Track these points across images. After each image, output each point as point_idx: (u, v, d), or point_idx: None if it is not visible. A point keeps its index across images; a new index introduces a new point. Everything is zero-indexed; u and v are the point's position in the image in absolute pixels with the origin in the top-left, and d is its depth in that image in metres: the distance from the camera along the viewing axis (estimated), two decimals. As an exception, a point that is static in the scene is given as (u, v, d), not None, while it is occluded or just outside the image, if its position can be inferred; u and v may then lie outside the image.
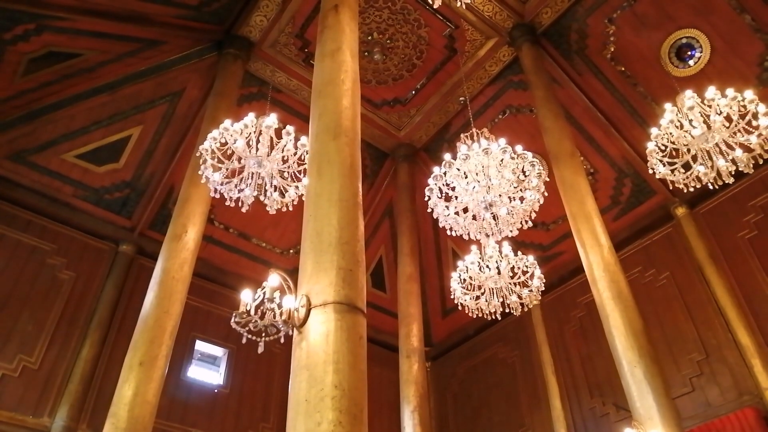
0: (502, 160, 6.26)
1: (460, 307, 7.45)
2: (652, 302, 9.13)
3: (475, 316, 7.35)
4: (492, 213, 6.43)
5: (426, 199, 6.56)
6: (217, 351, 10.23)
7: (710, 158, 6.21)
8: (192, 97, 9.78)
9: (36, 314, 8.51)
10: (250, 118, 6.46)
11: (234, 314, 3.99)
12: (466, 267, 7.35)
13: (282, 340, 4.03)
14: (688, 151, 6.33)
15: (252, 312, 3.96)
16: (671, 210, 9.45)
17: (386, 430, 10.68)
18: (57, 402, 8.15)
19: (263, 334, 3.95)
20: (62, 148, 9.26)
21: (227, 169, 6.47)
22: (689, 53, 8.75)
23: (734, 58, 8.51)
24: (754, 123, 5.97)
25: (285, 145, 6.56)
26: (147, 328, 6.34)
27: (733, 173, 6.09)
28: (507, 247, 7.22)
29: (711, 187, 6.31)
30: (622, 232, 9.94)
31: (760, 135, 5.91)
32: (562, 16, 9.22)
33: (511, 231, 6.54)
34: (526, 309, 7.26)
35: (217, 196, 6.57)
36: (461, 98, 10.40)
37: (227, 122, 6.47)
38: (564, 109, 9.28)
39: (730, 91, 6.06)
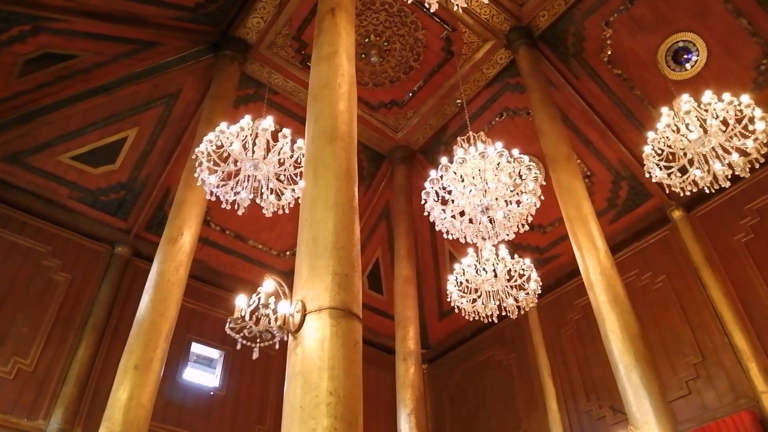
0: (498, 164, 6.26)
1: (456, 310, 7.45)
2: (649, 305, 9.14)
3: (471, 319, 7.35)
4: (489, 216, 6.43)
5: (423, 202, 6.55)
6: (213, 353, 10.21)
7: (707, 162, 6.21)
8: (188, 98, 9.76)
9: (31, 316, 8.48)
10: (247, 120, 6.43)
11: (229, 320, 3.97)
12: (463, 270, 7.35)
13: (277, 346, 4.01)
14: (685, 155, 6.33)
15: (247, 318, 3.93)
16: (668, 213, 9.46)
17: (383, 432, 10.67)
18: (52, 405, 8.11)
19: (258, 340, 3.93)
20: (58, 149, 9.22)
21: (223, 172, 6.45)
22: (686, 57, 8.77)
23: (731, 62, 8.52)
24: (750, 127, 5.98)
25: (281, 148, 6.54)
26: (142, 331, 6.32)
27: (729, 177, 6.09)
28: (504, 250, 7.22)
29: (707, 191, 6.32)
30: (619, 234, 9.94)
31: (756, 139, 5.92)
32: (559, 19, 9.23)
33: (507, 234, 6.53)
34: (522, 312, 7.26)
35: (213, 198, 6.54)
36: (458, 101, 10.40)
37: (223, 125, 6.43)
38: (561, 111, 9.29)
39: (727, 96, 6.07)
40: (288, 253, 11.35)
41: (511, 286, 7.20)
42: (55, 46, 8.43)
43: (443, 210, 6.56)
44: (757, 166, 6.03)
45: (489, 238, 6.64)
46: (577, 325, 10.20)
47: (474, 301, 7.32)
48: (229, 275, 10.78)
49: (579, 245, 7.09)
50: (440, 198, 6.53)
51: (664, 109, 6.45)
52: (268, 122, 6.40)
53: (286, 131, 6.47)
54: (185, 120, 9.81)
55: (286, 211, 6.82)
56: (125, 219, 9.90)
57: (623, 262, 9.47)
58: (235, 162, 6.46)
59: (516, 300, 7.16)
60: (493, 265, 7.22)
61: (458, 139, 6.69)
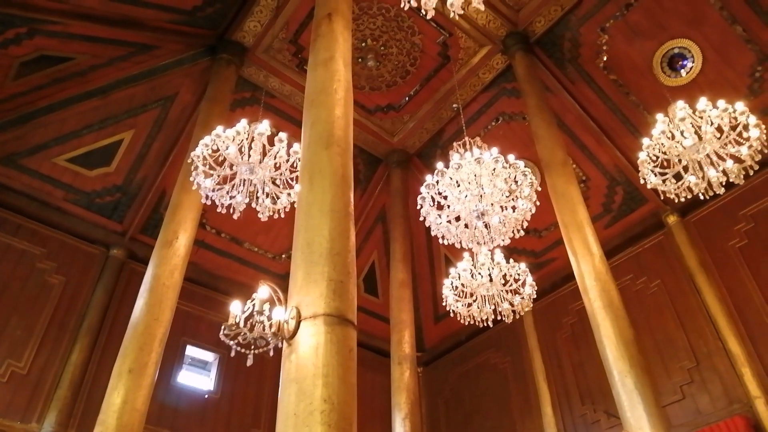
0: (494, 169, 6.27)
1: (452, 314, 7.47)
2: (644, 310, 9.17)
3: (467, 323, 7.37)
4: (484, 222, 6.44)
5: (418, 207, 6.56)
6: (208, 356, 10.19)
7: (701, 169, 6.24)
8: (185, 101, 9.75)
9: (25, 319, 8.45)
10: (243, 124, 6.43)
11: (223, 326, 3.96)
12: (458, 274, 7.37)
13: (271, 353, 4.01)
14: (680, 161, 6.36)
15: (241, 324, 3.93)
16: (663, 218, 9.50)
17: (378, 436, 10.66)
18: (45, 408, 8.09)
19: (252, 347, 3.92)
20: (53, 151, 9.20)
21: (219, 176, 6.45)
22: (681, 63, 8.81)
23: (726, 69, 8.57)
24: (745, 134, 6.01)
25: (277, 152, 6.55)
26: (137, 334, 6.30)
27: (723, 184, 6.13)
28: (499, 255, 7.24)
29: (702, 198, 6.35)
30: (614, 239, 9.97)
31: (750, 146, 5.95)
32: (555, 25, 9.26)
33: (503, 240, 6.55)
34: (518, 317, 7.29)
35: (209, 202, 6.55)
36: (454, 105, 10.42)
37: (219, 128, 6.44)
38: (557, 116, 9.32)
39: (722, 103, 6.10)
40: (284, 256, 11.35)
41: (507, 291, 7.23)
42: (51, 49, 8.41)
43: (439, 215, 6.58)
44: (751, 173, 6.07)
45: (484, 243, 6.66)
46: (572, 329, 10.22)
47: (469, 305, 7.34)
48: (224, 278, 10.77)
49: (574, 251, 7.11)
50: (436, 203, 6.55)
51: (659, 116, 6.48)
52: (265, 126, 6.41)
53: (282, 135, 6.49)
54: (181, 123, 9.80)
55: (282, 216, 6.84)
56: (120, 221, 9.88)
57: (618, 267, 9.50)
58: (231, 166, 6.47)
59: (511, 304, 7.19)
60: (489, 269, 7.24)
61: (454, 144, 6.71)
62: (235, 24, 9.31)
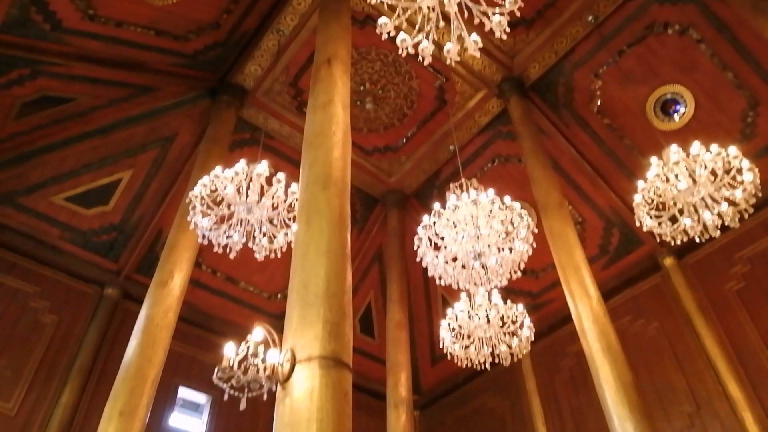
0: (491, 211, 6.32)
1: (449, 356, 7.39)
2: (642, 353, 9.07)
3: (464, 366, 7.28)
4: (481, 263, 6.44)
5: (415, 248, 6.57)
6: (201, 398, 9.99)
7: (696, 212, 6.29)
8: (184, 142, 9.85)
9: (16, 359, 8.31)
10: (241, 165, 6.50)
11: (216, 369, 3.91)
12: (456, 315, 7.32)
13: (265, 397, 3.94)
14: (675, 204, 6.42)
15: (235, 367, 3.88)
16: (659, 260, 9.50)
17: (373, 483, 10.37)
18: (33, 451, 7.88)
19: (246, 390, 3.86)
20: (51, 190, 9.23)
21: (216, 216, 6.47)
22: (674, 108, 8.97)
23: (718, 114, 8.72)
24: (738, 178, 6.09)
25: (275, 192, 6.60)
26: (129, 376, 6.19)
27: (719, 227, 6.17)
28: (497, 296, 7.22)
29: (698, 240, 6.38)
30: (611, 281, 9.94)
31: (744, 190, 6.02)
32: (549, 71, 9.47)
33: (500, 281, 6.54)
34: (515, 359, 7.21)
35: (206, 242, 6.55)
36: (451, 147, 10.54)
37: (218, 169, 6.50)
38: (552, 159, 9.42)
39: (715, 147, 6.20)
40: (279, 295, 11.26)
41: (504, 333, 7.17)
42: (53, 90, 8.54)
43: (436, 256, 6.58)
44: (746, 216, 6.13)
45: (482, 284, 6.64)
46: (571, 372, 10.08)
47: (467, 347, 7.27)
48: (218, 318, 10.66)
49: (571, 293, 7.08)
50: (433, 244, 6.56)
51: (654, 159, 6.57)
52: (263, 167, 6.47)
53: (281, 175, 6.55)
54: (180, 163, 9.87)
55: (278, 255, 6.84)
56: (116, 260, 9.83)
57: (616, 309, 9.44)
58: (229, 206, 6.50)
59: (509, 346, 7.12)
60: (486, 310, 7.20)
61: (451, 185, 6.77)
62: (236, 67, 9.49)
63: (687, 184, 6.20)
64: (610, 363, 6.28)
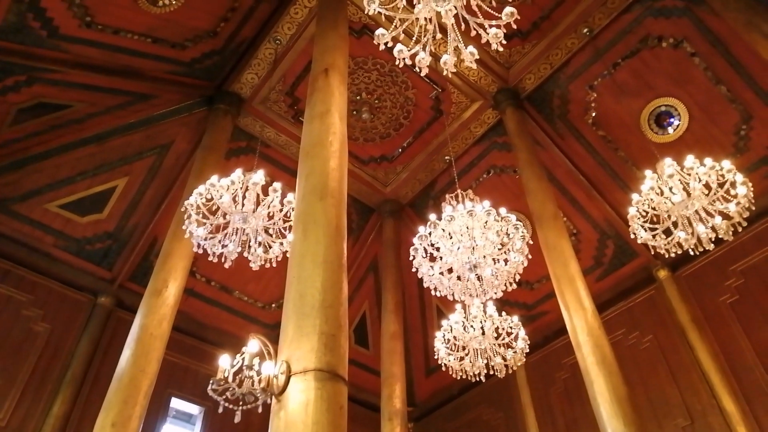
0: (486, 222, 6.32)
1: (444, 368, 7.37)
2: (637, 365, 9.07)
3: (459, 378, 7.26)
4: (477, 274, 6.44)
5: (411, 258, 6.57)
6: (193, 409, 9.91)
7: (690, 225, 6.33)
8: (180, 150, 9.83)
9: (7, 368, 8.21)
10: (237, 174, 6.49)
11: (211, 381, 3.87)
12: (451, 326, 7.31)
13: (260, 410, 3.91)
14: (669, 217, 6.46)
15: (230, 379, 3.85)
16: (653, 272, 9.52)
17: (366, 494, 10.29)
18: (23, 462, 7.78)
19: (240, 402, 3.83)
20: (46, 197, 9.18)
21: (212, 225, 6.45)
22: (668, 121, 9.03)
23: (712, 127, 8.79)
24: (732, 191, 6.13)
25: (271, 202, 6.59)
26: (122, 387, 6.14)
27: (713, 240, 6.21)
28: (492, 307, 7.21)
29: (692, 253, 6.41)
30: (606, 293, 9.96)
31: (738, 203, 6.06)
32: (544, 82, 9.52)
33: (495, 293, 6.53)
34: (510, 371, 7.19)
35: (201, 251, 6.52)
36: (447, 157, 10.57)
37: (214, 178, 6.49)
38: (547, 170, 9.45)
39: (709, 161, 6.25)
40: (274, 305, 11.22)
41: (499, 344, 7.16)
42: (50, 96, 8.52)
43: (431, 267, 6.58)
44: (740, 229, 6.17)
45: (477, 295, 6.64)
46: (566, 385, 10.07)
47: (462, 358, 7.25)
48: (212, 327, 10.60)
49: (566, 305, 7.08)
50: (429, 255, 6.56)
51: (648, 172, 6.62)
52: (259, 176, 6.47)
53: (277, 185, 6.54)
54: (176, 171, 9.85)
55: (274, 265, 6.82)
56: (110, 269, 9.77)
57: (610, 321, 9.47)
58: (224, 215, 6.49)
59: (504, 358, 7.11)
60: (481, 322, 7.19)
61: (446, 196, 6.78)
62: (232, 76, 9.50)
63: (681, 197, 6.25)
64: (605, 376, 6.27)
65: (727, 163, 6.17)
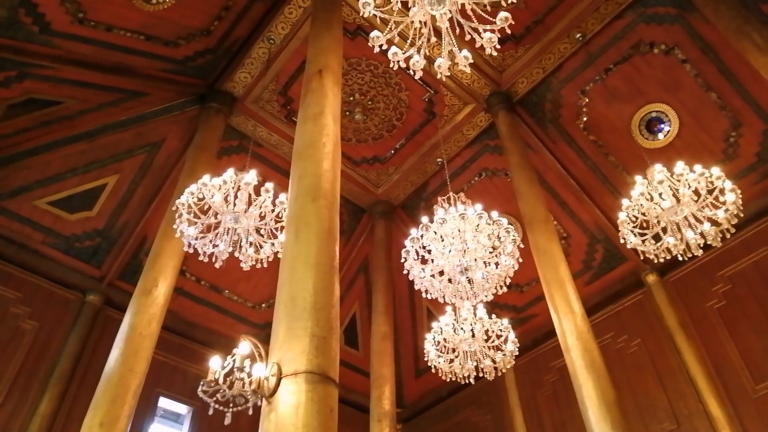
0: (477, 225, 6.34)
1: (433, 370, 7.38)
2: (624, 369, 9.13)
3: (448, 379, 7.28)
4: (467, 277, 6.46)
5: (402, 260, 6.58)
6: (182, 408, 9.86)
7: (679, 230, 6.39)
8: (171, 148, 9.78)
9: (-7, 366, 8.15)
10: (229, 174, 6.48)
11: (202, 383, 3.86)
12: (441, 329, 7.32)
13: (251, 412, 3.90)
14: (658, 222, 6.51)
15: (221, 381, 3.84)
16: (642, 277, 9.59)
17: (354, 495, 10.28)
18: (8, 461, 7.71)
19: (231, 404, 3.82)
20: (35, 194, 9.09)
21: (203, 224, 6.43)
22: (659, 126, 9.11)
23: (702, 133, 8.87)
24: (721, 198, 6.20)
25: (263, 202, 6.58)
26: (110, 386, 6.10)
27: (701, 245, 6.27)
28: (482, 310, 7.23)
29: (680, 258, 6.47)
30: (595, 296, 10.02)
31: (727, 210, 6.12)
32: (537, 87, 9.58)
33: (486, 296, 6.56)
34: (499, 374, 7.22)
35: (191, 251, 6.50)
36: (439, 159, 10.60)
37: (206, 177, 6.47)
38: (538, 174, 9.50)
39: (698, 167, 6.31)
40: (263, 305, 11.18)
41: (489, 347, 7.18)
42: (40, 92, 8.44)
43: (423, 269, 6.59)
44: (728, 235, 6.23)
45: (468, 298, 6.66)
46: (554, 387, 10.11)
47: (451, 361, 7.27)
48: (202, 327, 10.55)
49: (556, 308, 7.12)
50: (420, 257, 6.57)
51: (638, 178, 6.68)
52: (251, 176, 6.45)
53: (269, 185, 6.53)
54: (167, 169, 9.80)
55: (264, 265, 6.80)
56: (99, 267, 9.70)
57: (599, 325, 9.52)
58: (216, 214, 6.47)
59: (493, 361, 7.13)
60: (471, 324, 7.21)
61: (438, 199, 6.79)
62: (225, 74, 9.47)
63: (671, 203, 6.31)
64: (594, 380, 6.31)
65: (716, 170, 6.24)
